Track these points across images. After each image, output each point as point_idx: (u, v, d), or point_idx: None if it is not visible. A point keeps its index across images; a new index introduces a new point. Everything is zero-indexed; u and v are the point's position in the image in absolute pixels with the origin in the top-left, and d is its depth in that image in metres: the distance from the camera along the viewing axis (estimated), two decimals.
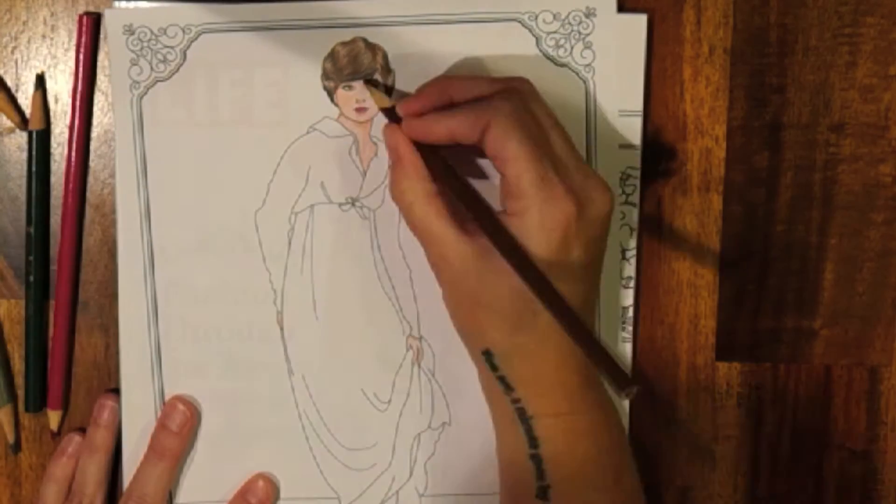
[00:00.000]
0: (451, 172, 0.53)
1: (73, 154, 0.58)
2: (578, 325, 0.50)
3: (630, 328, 0.59)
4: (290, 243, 0.58)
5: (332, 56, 0.57)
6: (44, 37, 0.58)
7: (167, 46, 0.57)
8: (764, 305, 0.60)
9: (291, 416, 0.59)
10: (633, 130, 0.57)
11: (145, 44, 0.56)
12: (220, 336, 0.58)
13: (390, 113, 0.54)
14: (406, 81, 0.57)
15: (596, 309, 0.57)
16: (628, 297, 0.59)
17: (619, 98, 0.57)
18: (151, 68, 0.57)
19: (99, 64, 0.58)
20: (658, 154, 0.59)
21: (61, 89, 0.59)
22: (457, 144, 0.52)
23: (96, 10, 0.58)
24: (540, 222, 0.50)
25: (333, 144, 0.58)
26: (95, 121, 0.59)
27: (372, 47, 0.57)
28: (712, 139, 0.59)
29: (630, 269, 0.58)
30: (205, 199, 0.58)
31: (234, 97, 0.57)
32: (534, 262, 0.50)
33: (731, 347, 0.60)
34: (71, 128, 0.58)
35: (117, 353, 0.59)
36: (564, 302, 0.50)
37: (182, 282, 0.58)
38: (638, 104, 0.57)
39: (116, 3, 0.57)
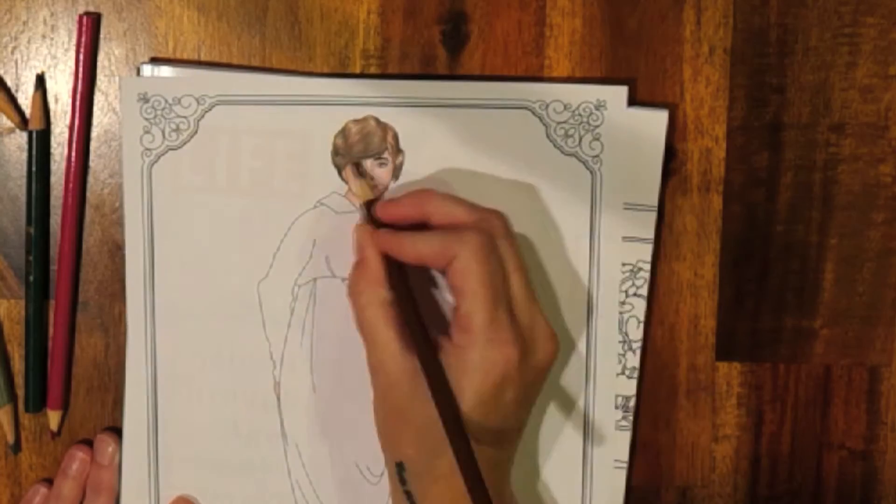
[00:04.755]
0: (406, 291, 0.53)
1: (73, 154, 0.58)
2: (478, 486, 0.49)
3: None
4: (291, 315, 0.58)
5: (343, 133, 0.57)
6: (44, 37, 0.58)
7: (180, 116, 0.57)
8: (764, 305, 0.60)
9: (284, 485, 0.59)
10: (641, 223, 0.57)
11: (159, 112, 0.57)
12: (217, 401, 0.59)
13: (368, 207, 0.55)
14: (416, 162, 0.57)
15: (516, 445, 0.57)
16: (631, 388, 0.59)
17: (626, 190, 0.57)
18: (164, 137, 0.57)
19: (99, 64, 0.58)
20: None
21: (61, 89, 0.59)
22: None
23: (96, 10, 0.58)
24: (480, 362, 0.51)
25: (340, 220, 0.58)
26: (95, 121, 0.59)
27: (383, 126, 0.57)
28: (712, 139, 0.59)
29: (635, 360, 0.59)
30: (209, 268, 0.58)
31: (244, 173, 0.57)
32: (458, 411, 0.51)
33: (731, 347, 0.60)
34: (71, 128, 0.58)
35: (117, 353, 0.59)
36: (473, 459, 0.50)
37: (183, 345, 0.58)
38: (653, 199, 0.57)
39: (143, 68, 0.58)
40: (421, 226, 0.54)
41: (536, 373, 0.53)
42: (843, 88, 0.59)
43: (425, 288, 0.57)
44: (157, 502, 0.59)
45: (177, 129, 0.57)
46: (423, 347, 0.52)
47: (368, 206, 0.56)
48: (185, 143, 0.57)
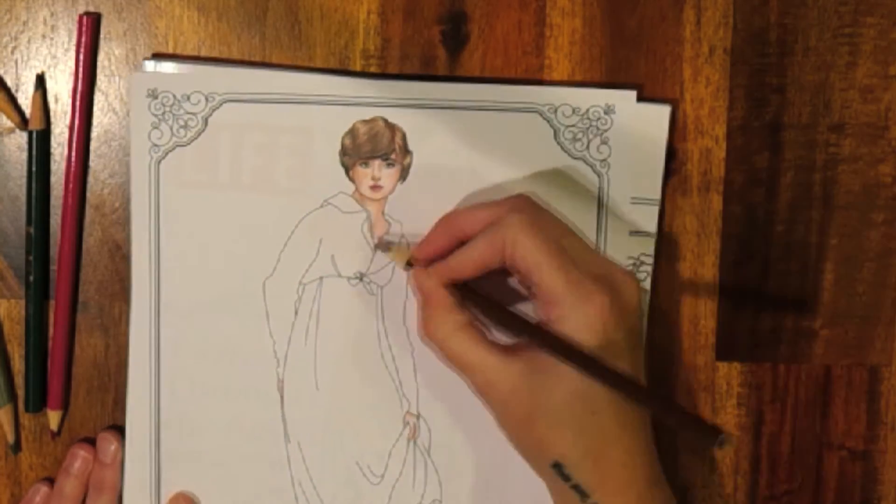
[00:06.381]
0: (482, 299, 0.54)
1: (73, 154, 0.58)
2: (650, 395, 0.51)
3: None
4: (296, 313, 0.58)
5: (351, 133, 0.57)
6: (44, 37, 0.58)
7: (189, 113, 0.57)
8: (764, 305, 0.60)
9: (285, 484, 0.59)
10: (645, 217, 0.58)
11: (168, 109, 0.57)
12: (220, 398, 0.59)
13: (411, 264, 0.56)
14: (423, 164, 0.57)
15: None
16: None
17: (633, 186, 0.57)
18: (172, 133, 0.57)
19: (99, 64, 0.58)
20: None
21: (61, 89, 0.59)
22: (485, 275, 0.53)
23: (96, 10, 0.58)
24: (582, 323, 0.51)
25: (346, 219, 0.58)
26: (95, 121, 0.59)
27: (391, 127, 0.57)
28: (712, 139, 0.59)
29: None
30: (215, 265, 0.58)
31: (252, 172, 0.57)
32: (588, 353, 0.50)
33: (731, 347, 0.60)
34: (71, 128, 0.58)
35: (117, 353, 0.59)
36: (629, 378, 0.51)
37: (187, 341, 0.58)
38: (655, 193, 0.58)
39: (145, 64, 0.57)
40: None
41: (630, 314, 0.53)
42: (843, 88, 0.59)
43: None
44: (159, 500, 0.59)
45: (185, 126, 0.57)
46: (526, 326, 0.52)
47: (410, 265, 0.56)
48: (193, 140, 0.57)
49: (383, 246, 0.58)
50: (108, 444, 0.59)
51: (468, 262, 0.53)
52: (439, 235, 0.55)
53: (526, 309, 0.56)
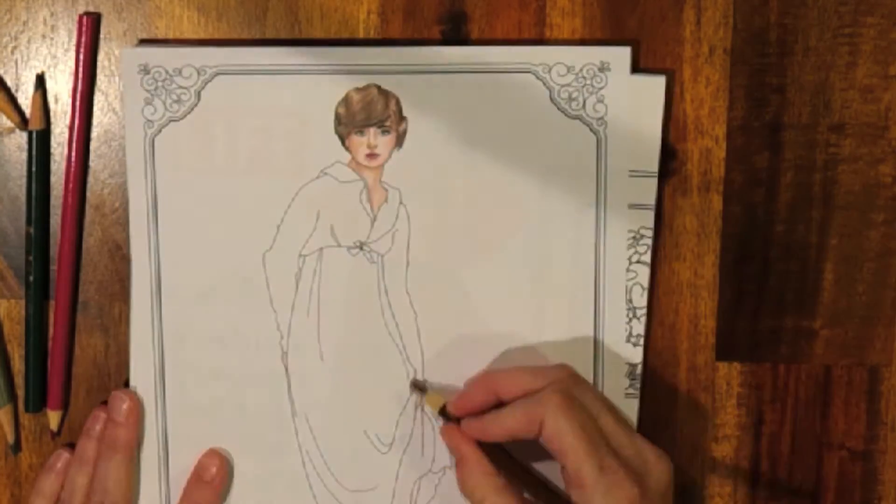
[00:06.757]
0: (514, 463, 0.55)
1: (73, 154, 0.58)
2: None
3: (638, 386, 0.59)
4: (297, 285, 0.58)
5: (345, 102, 0.57)
6: (44, 37, 0.58)
7: (181, 87, 0.57)
8: (764, 305, 0.60)
9: (294, 458, 0.59)
10: (643, 190, 0.57)
11: (160, 83, 0.57)
12: (225, 378, 0.59)
13: (444, 413, 0.57)
14: (419, 130, 0.57)
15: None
16: (637, 355, 0.59)
17: (631, 157, 0.57)
18: (165, 108, 0.57)
19: (99, 64, 0.58)
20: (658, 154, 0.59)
21: (61, 89, 0.59)
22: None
23: (96, 10, 0.58)
24: None
25: (344, 189, 0.58)
26: (95, 121, 0.59)
27: (385, 94, 0.57)
28: (712, 139, 0.59)
29: (640, 327, 0.59)
30: (215, 241, 0.58)
31: (247, 145, 0.57)
32: None
33: (731, 347, 0.60)
34: (71, 128, 0.58)
35: (117, 353, 0.59)
36: None
37: (189, 324, 0.58)
38: (653, 165, 0.57)
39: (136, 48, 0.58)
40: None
41: (661, 496, 0.54)
42: (843, 88, 0.59)
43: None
44: (168, 481, 0.59)
45: (178, 101, 0.57)
46: (556, 501, 0.53)
47: (443, 412, 0.57)
48: (186, 115, 0.57)
49: (417, 386, 0.58)
50: (120, 402, 0.58)
51: (501, 427, 0.54)
52: (476, 393, 0.56)
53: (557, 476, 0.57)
